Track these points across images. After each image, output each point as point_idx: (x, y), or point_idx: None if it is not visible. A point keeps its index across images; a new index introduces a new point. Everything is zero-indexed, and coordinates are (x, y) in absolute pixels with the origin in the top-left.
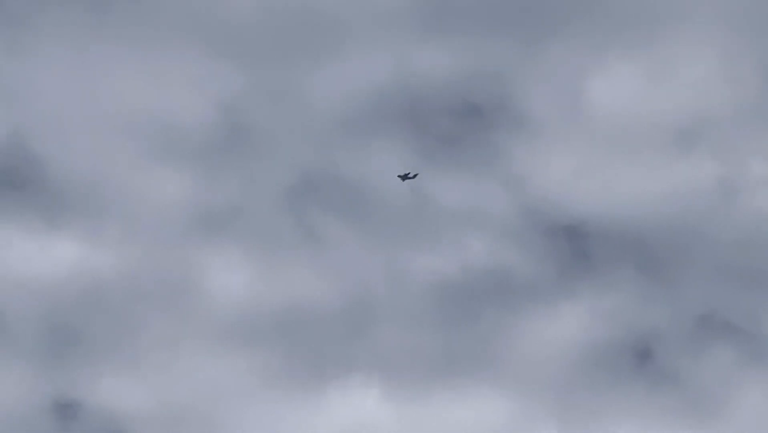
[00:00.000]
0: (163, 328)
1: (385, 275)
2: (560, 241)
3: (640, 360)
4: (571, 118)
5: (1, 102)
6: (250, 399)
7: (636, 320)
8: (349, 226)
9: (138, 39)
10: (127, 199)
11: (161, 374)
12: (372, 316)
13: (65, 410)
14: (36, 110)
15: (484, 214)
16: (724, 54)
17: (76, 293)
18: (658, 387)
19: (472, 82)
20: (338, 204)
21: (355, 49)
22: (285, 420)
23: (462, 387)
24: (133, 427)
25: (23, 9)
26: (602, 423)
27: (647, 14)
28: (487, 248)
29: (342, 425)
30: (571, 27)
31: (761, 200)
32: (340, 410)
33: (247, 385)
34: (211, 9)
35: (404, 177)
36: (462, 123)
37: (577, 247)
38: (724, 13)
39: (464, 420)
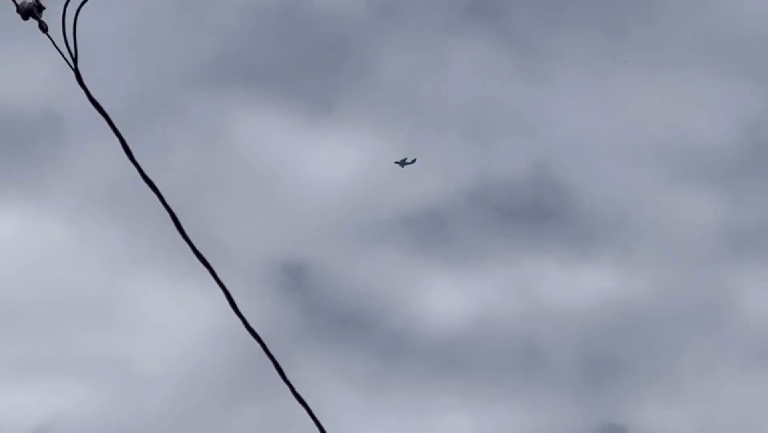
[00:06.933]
0: (701, 351)
1: None
2: None
3: None
4: None
5: (525, 132)
6: None
7: None
8: None
9: (657, 61)
10: (657, 224)
11: (702, 398)
12: None
13: None
14: (559, 139)
15: None
16: None
17: (612, 321)
18: None
19: None
20: None
21: None
22: None
23: None
24: None
25: (540, 38)
26: None
27: None
28: None
29: None
30: None
31: None
32: None
33: None
34: (728, 27)
35: (402, 163)
36: None
37: None
38: None
39: None
